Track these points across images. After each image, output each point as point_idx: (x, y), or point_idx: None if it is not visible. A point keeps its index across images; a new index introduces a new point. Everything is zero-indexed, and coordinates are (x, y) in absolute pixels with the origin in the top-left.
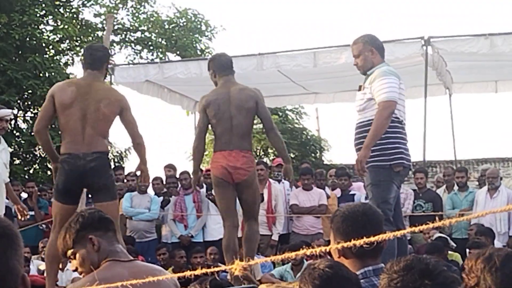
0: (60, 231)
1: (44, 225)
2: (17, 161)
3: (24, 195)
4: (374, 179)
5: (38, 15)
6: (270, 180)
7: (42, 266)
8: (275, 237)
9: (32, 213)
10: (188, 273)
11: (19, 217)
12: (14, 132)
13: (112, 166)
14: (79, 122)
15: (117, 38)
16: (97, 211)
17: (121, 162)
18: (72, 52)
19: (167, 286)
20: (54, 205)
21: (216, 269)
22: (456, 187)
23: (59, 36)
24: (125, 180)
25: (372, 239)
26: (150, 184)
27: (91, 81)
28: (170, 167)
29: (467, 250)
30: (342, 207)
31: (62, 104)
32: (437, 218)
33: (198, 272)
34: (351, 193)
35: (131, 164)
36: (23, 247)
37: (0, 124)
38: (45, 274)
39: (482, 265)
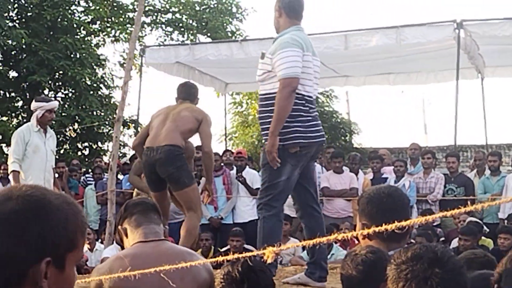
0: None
1: None
2: None
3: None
4: (264, 160)
5: None
6: None
7: None
8: None
9: (63, 193)
10: (220, 259)
11: None
12: None
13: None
14: (161, 121)
15: (148, 20)
16: (141, 200)
17: None
18: (103, 33)
19: (197, 269)
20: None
21: (248, 254)
22: (487, 172)
23: (90, 17)
24: None
25: (397, 224)
26: None
27: (181, 103)
28: (199, 149)
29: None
30: (369, 189)
31: (153, 117)
32: (468, 202)
33: (230, 257)
34: (383, 176)
35: None
36: (56, 214)
37: (50, 116)
38: None
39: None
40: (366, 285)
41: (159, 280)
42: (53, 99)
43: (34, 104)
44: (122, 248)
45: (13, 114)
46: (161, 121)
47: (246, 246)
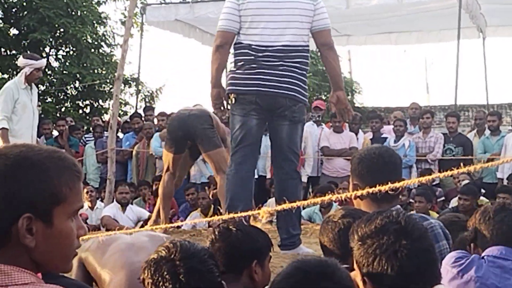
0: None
1: None
2: (49, 99)
3: (55, 133)
4: None
5: None
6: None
7: None
8: (304, 179)
9: (63, 151)
10: (216, 218)
11: None
12: (46, 70)
13: (143, 107)
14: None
15: None
16: None
17: (152, 102)
18: None
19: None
20: (165, 153)
21: (242, 214)
22: (487, 131)
23: None
24: (155, 120)
25: (388, 186)
26: None
27: None
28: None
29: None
30: (361, 149)
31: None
32: (463, 163)
33: (225, 217)
34: (383, 136)
35: (161, 104)
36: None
37: (38, 74)
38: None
39: (479, 218)
40: (342, 251)
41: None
42: (40, 57)
43: (22, 61)
44: (123, 207)
45: (14, 72)
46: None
47: None
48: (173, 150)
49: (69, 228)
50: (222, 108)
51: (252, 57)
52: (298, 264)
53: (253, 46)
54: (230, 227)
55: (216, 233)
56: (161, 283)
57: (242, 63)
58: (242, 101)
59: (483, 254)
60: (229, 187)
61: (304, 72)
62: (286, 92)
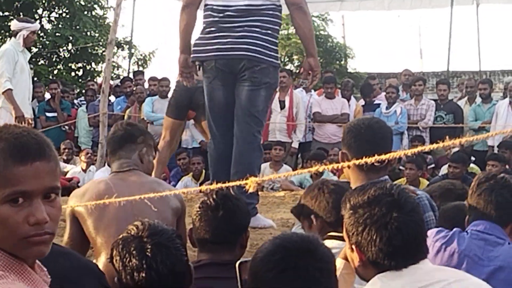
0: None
1: (66, 127)
2: (42, 62)
3: (47, 95)
4: None
5: None
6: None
7: (67, 168)
8: (295, 144)
9: (55, 114)
10: (202, 187)
11: None
12: (39, 32)
13: (134, 70)
14: None
15: None
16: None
17: (144, 66)
18: None
19: (168, 196)
20: (166, 119)
21: (230, 184)
22: (479, 99)
23: None
24: (146, 85)
25: (375, 158)
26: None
27: None
28: None
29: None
30: (354, 119)
31: None
32: (454, 131)
33: (213, 186)
34: (375, 102)
35: (153, 68)
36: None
37: (33, 37)
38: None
39: (470, 192)
40: (336, 219)
41: (132, 207)
42: (33, 20)
43: (18, 24)
44: None
45: (6, 34)
46: None
47: None
48: (175, 115)
49: (3, 213)
50: (188, 77)
51: (212, 19)
52: (279, 241)
53: (214, 7)
54: (229, 196)
55: (218, 201)
56: (128, 260)
57: (204, 26)
58: (205, 69)
59: (468, 228)
60: (210, 162)
61: (269, 32)
62: (244, 53)
